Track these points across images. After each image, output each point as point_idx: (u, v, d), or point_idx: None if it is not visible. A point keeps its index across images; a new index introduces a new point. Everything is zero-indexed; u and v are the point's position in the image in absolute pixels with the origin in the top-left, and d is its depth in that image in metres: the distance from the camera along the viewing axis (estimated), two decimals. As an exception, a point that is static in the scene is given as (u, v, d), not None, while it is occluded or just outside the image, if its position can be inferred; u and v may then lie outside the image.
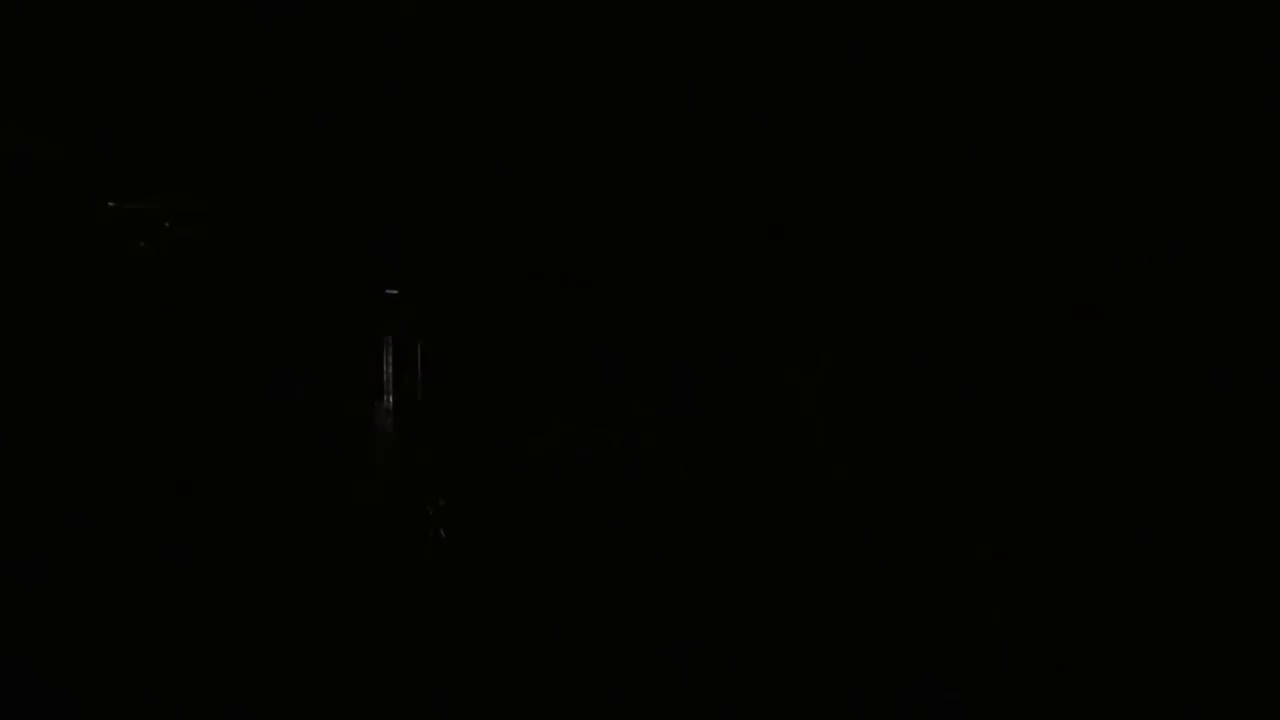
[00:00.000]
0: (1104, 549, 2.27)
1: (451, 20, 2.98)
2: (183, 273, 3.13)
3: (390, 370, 3.22)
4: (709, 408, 3.13)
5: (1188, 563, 2.05)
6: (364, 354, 3.21)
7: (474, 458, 3.21)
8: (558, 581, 3.07)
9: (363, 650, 3.00)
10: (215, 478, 3.12)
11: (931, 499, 2.80)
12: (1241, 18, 2.10)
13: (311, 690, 2.90)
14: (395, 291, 3.17)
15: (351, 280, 3.22)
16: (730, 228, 3.19)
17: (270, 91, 3.03)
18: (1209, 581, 2.06)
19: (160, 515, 3.06)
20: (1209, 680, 1.98)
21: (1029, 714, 2.31)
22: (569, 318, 3.21)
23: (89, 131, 3.06)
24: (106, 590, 2.94)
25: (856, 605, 2.83)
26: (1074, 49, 2.43)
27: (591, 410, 3.17)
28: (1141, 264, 2.35)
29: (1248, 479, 2.00)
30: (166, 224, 3.10)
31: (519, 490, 3.15)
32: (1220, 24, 2.15)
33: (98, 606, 2.92)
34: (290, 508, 3.14)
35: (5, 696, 2.73)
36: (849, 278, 3.08)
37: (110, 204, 3.09)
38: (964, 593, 2.58)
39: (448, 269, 3.21)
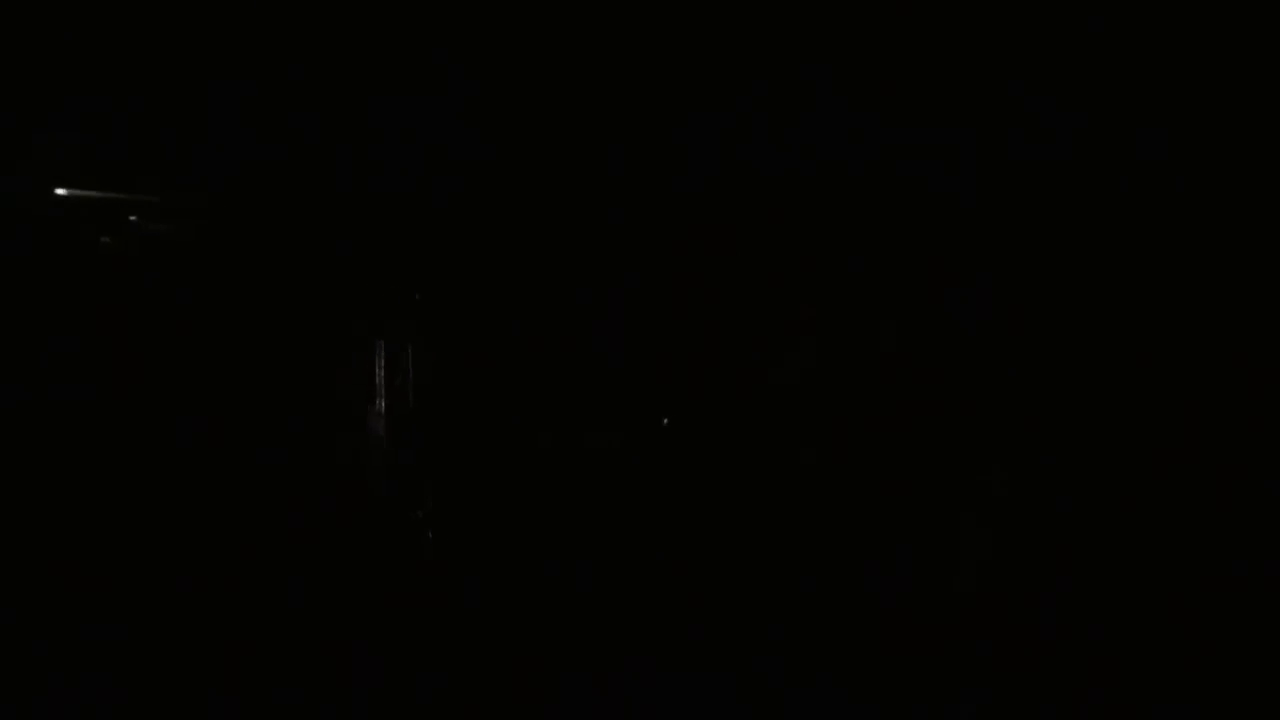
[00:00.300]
0: (1095, 545, 2.61)
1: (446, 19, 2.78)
2: (153, 272, 2.78)
3: (383, 374, 3.06)
4: (697, 409, 3.27)
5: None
6: (356, 357, 3.02)
7: (464, 461, 3.16)
8: (549, 583, 3.13)
9: (358, 646, 2.99)
10: (204, 480, 2.91)
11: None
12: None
13: (306, 684, 2.87)
14: (390, 293, 2.99)
15: (344, 282, 3.00)
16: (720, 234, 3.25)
17: (266, 84, 2.70)
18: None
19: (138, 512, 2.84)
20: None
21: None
22: (561, 320, 3.18)
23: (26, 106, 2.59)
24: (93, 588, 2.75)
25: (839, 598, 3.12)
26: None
27: (585, 411, 3.20)
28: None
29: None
30: (133, 217, 2.72)
31: (510, 492, 3.16)
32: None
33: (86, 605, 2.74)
34: (282, 510, 2.99)
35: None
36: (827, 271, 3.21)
37: (60, 191, 2.65)
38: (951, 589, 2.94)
39: (443, 272, 3.05)
